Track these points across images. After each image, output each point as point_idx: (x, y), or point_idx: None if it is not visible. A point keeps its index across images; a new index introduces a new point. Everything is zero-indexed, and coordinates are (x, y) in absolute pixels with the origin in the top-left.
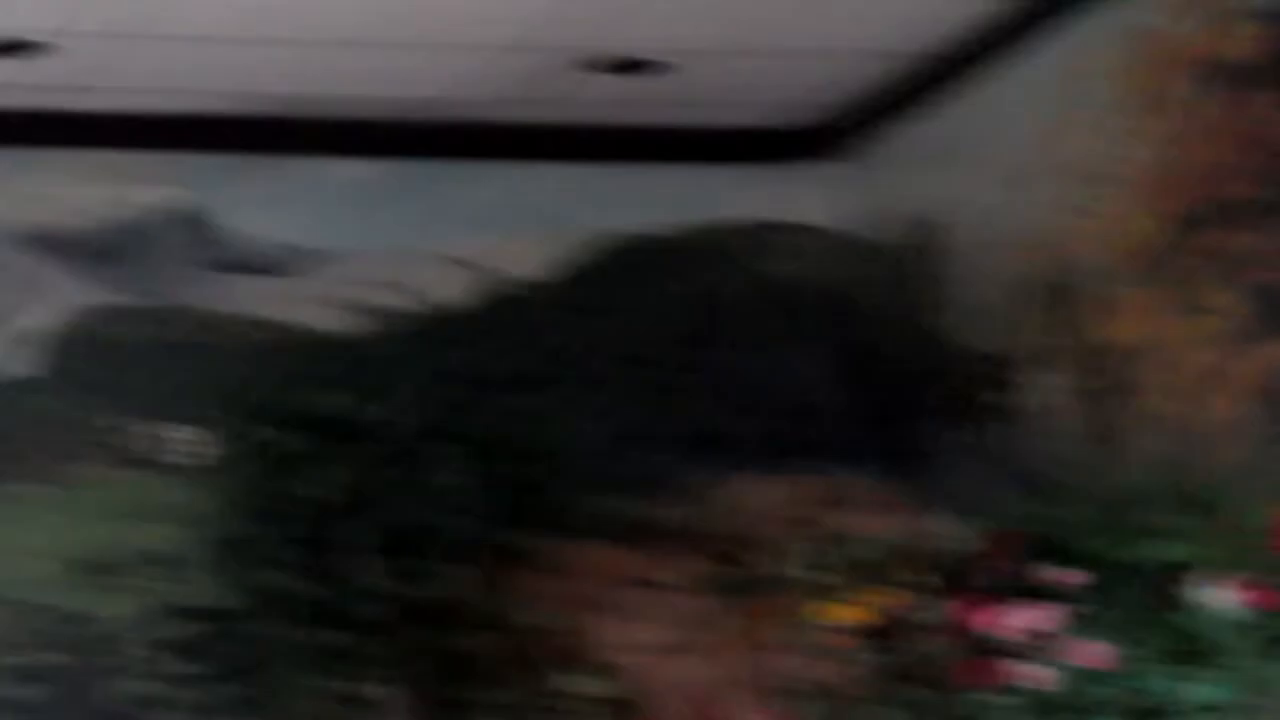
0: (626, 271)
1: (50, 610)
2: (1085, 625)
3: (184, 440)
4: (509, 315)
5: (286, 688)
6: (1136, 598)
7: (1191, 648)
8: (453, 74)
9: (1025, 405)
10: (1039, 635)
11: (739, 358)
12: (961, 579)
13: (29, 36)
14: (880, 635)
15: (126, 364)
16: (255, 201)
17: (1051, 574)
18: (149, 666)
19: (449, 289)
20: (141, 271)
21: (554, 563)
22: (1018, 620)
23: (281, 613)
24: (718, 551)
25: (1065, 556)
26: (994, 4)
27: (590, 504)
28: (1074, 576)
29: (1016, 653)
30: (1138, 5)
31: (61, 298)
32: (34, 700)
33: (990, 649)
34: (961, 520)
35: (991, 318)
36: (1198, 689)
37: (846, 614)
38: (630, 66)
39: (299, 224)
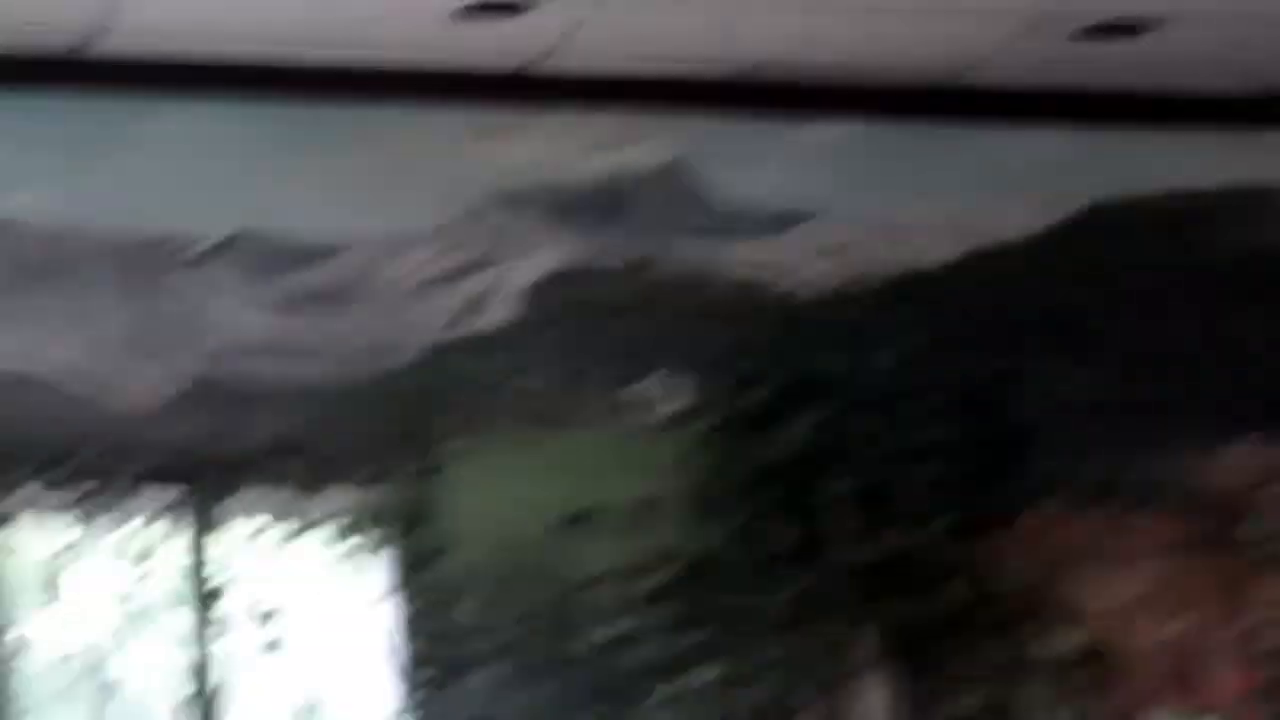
0: (1115, 236)
1: (529, 560)
2: None
3: (662, 395)
4: (993, 277)
5: (760, 637)
6: None
7: None
8: (939, 36)
9: None
10: None
11: (1224, 323)
12: None
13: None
14: None
15: (608, 320)
16: (740, 162)
17: None
18: (625, 615)
19: (932, 251)
20: (626, 231)
21: (1031, 521)
22: None
23: (757, 563)
24: (1198, 513)
25: None
26: None
27: (1069, 464)
28: None
29: None
30: None
31: (546, 256)
32: (509, 644)
33: None
34: None
35: None
36: None
37: None
38: (1122, 29)
39: (783, 185)
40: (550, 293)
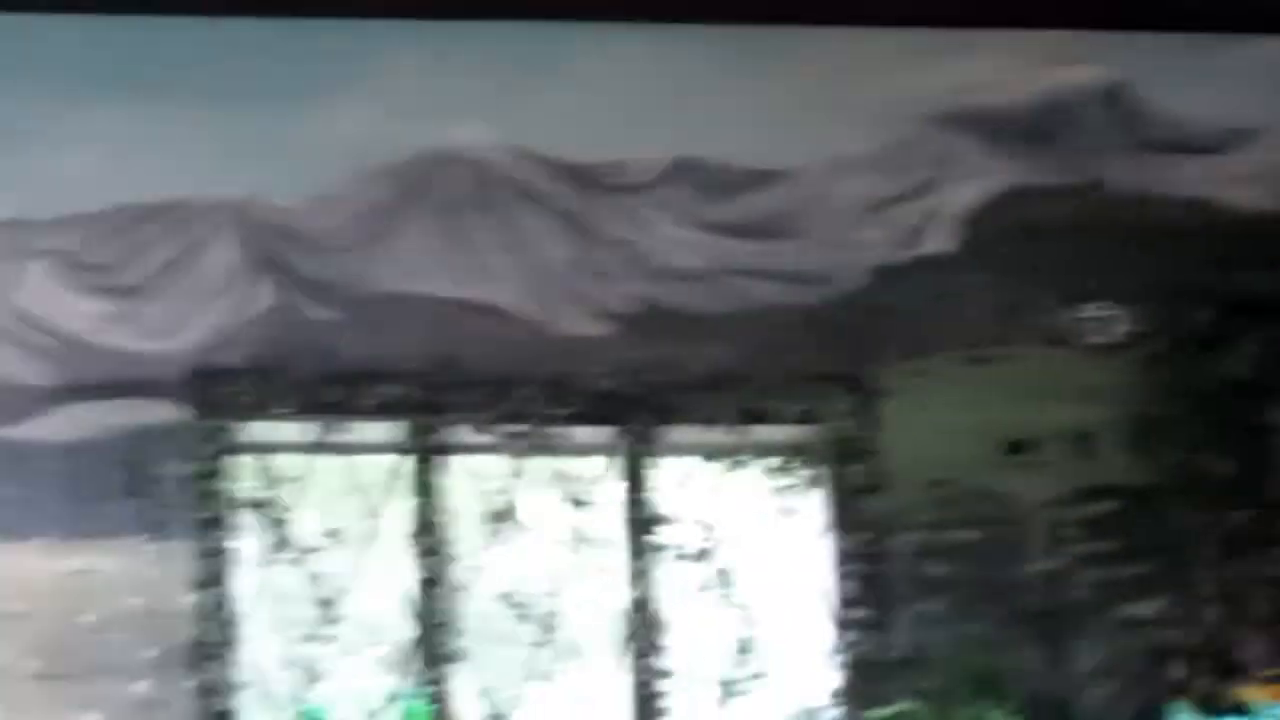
0: None
1: (965, 488)
2: None
3: (1102, 319)
4: None
5: (1196, 568)
6: None
7: None
8: None
9: None
10: None
11: None
12: None
13: None
14: None
15: (1046, 243)
16: (1185, 80)
17: None
18: (1059, 544)
19: None
20: (1066, 151)
21: None
22: None
23: (1196, 492)
24: None
25: None
26: None
27: None
28: None
29: None
30: None
31: (987, 179)
32: (942, 577)
33: None
34: None
35: None
36: None
37: None
38: None
39: (1231, 102)
40: (990, 217)
